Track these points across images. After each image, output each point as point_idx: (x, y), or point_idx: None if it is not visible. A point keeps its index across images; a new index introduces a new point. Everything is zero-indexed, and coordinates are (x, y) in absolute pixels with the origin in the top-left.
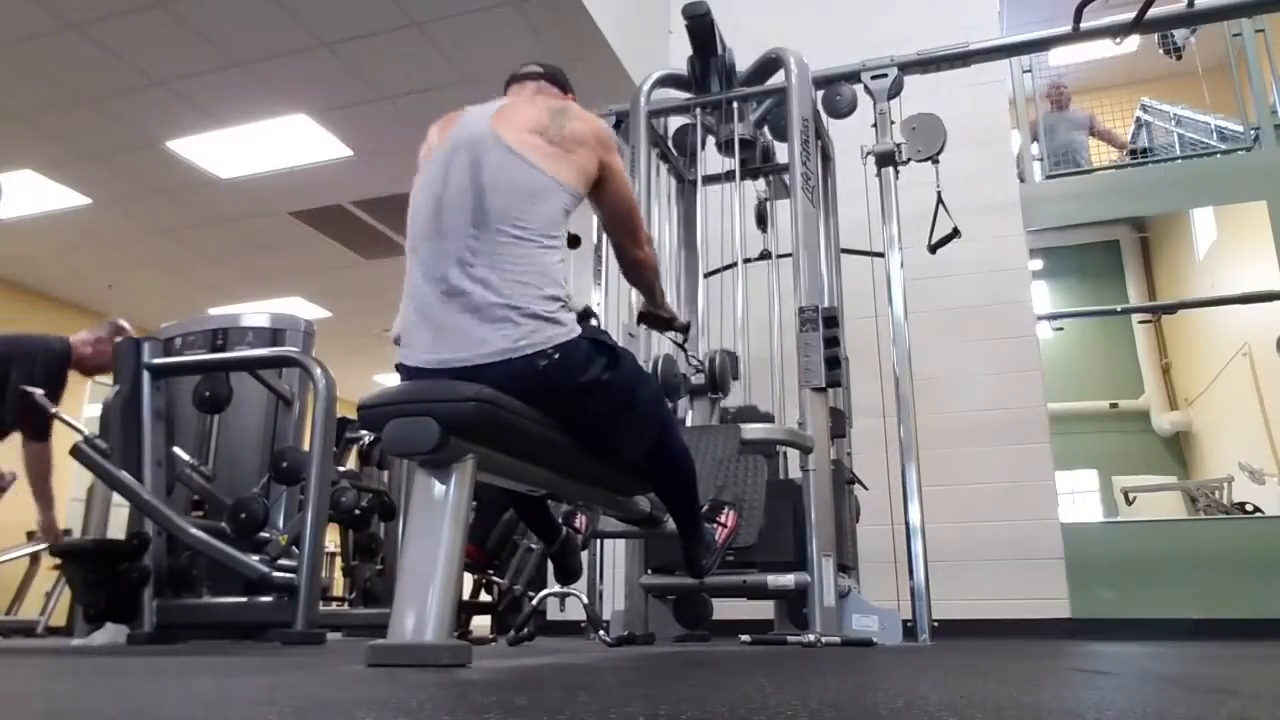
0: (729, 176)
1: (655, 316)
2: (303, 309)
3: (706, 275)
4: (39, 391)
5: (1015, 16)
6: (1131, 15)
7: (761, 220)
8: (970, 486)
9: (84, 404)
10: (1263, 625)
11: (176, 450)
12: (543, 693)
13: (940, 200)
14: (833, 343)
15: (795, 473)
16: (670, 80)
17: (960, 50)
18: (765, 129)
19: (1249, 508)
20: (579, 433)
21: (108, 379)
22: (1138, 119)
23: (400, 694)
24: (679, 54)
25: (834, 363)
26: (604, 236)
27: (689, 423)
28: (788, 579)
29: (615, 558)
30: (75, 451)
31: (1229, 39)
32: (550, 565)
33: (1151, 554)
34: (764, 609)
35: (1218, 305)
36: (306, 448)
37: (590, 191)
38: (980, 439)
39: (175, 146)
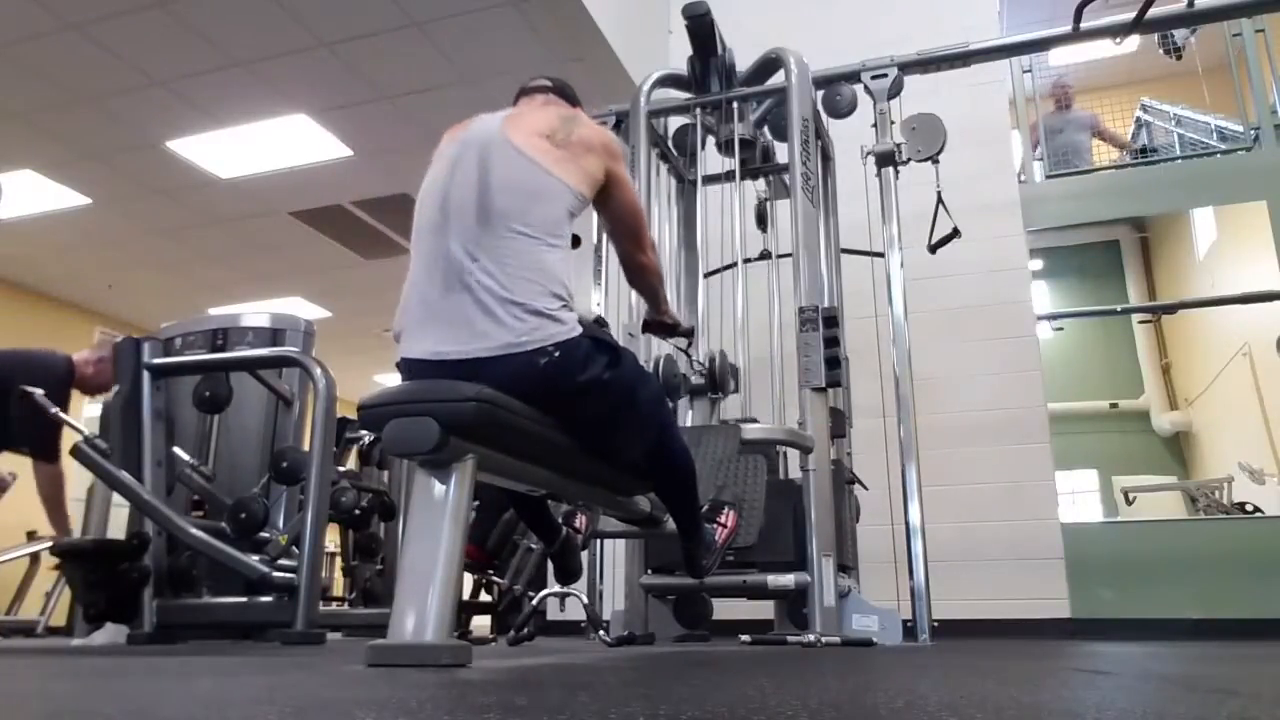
0: (729, 176)
1: (660, 324)
2: (303, 309)
3: (706, 275)
4: (39, 391)
5: (1015, 16)
6: (1131, 15)
7: (761, 220)
8: (970, 486)
9: (84, 404)
10: (1263, 625)
11: (176, 450)
12: (543, 693)
13: (940, 200)
14: (833, 343)
15: (795, 473)
16: (670, 80)
17: (960, 50)
18: (765, 129)
19: (1249, 508)
20: (579, 432)
21: None
22: (1138, 119)
23: (400, 694)
24: (679, 54)
25: (834, 363)
26: (604, 237)
27: (689, 423)
28: (788, 579)
29: (615, 558)
30: (75, 451)
31: (1229, 39)
32: (550, 565)
33: (1151, 554)
34: (764, 609)
35: (1218, 305)
36: (306, 448)
37: (597, 199)
38: (980, 439)
39: (175, 146)
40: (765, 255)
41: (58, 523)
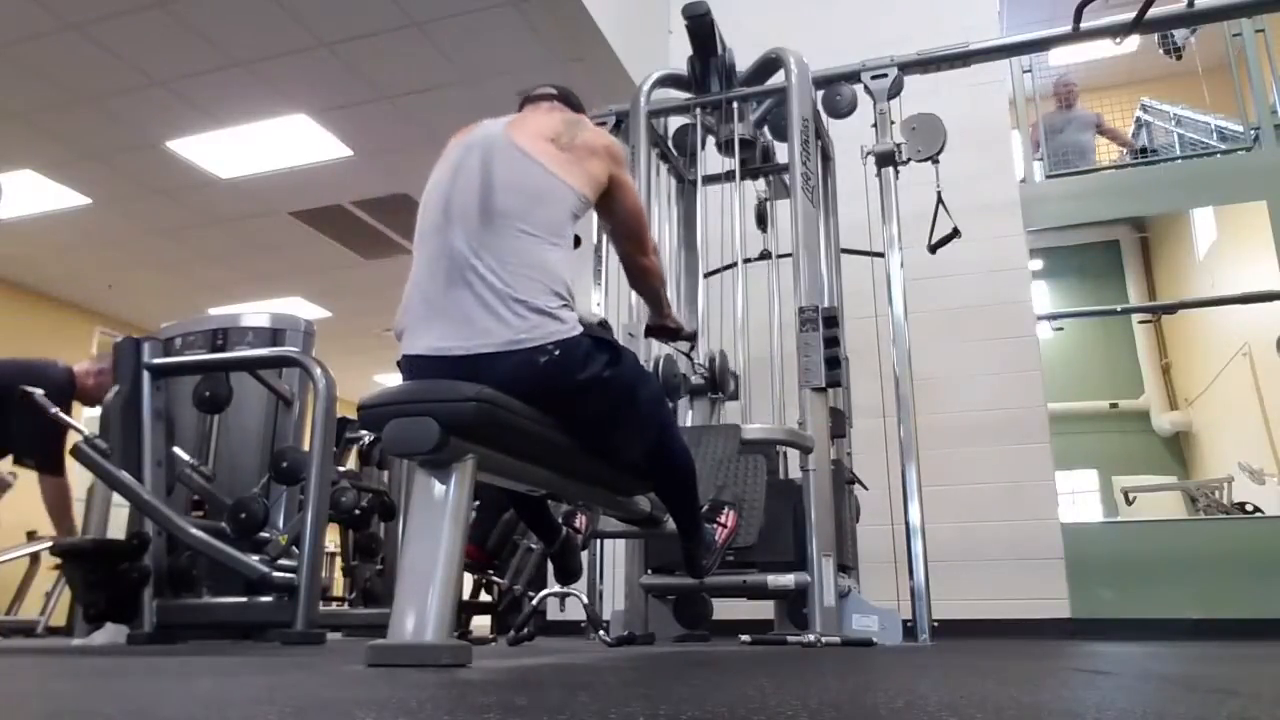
0: (729, 176)
1: (663, 328)
2: (303, 309)
3: (706, 275)
4: (39, 391)
5: (1015, 16)
6: (1131, 15)
7: (761, 220)
8: (970, 486)
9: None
10: (1263, 625)
11: (176, 450)
12: (543, 693)
13: (940, 200)
14: (833, 343)
15: (795, 473)
16: (670, 80)
17: (960, 50)
18: (765, 129)
19: (1249, 508)
20: (579, 431)
21: None
22: (1138, 119)
23: (400, 694)
24: (679, 54)
25: (834, 363)
26: (604, 238)
27: (689, 423)
28: (788, 579)
29: (615, 558)
30: (75, 451)
31: (1229, 39)
32: (550, 565)
33: (1151, 554)
34: (764, 609)
35: (1218, 305)
36: (306, 448)
37: (600, 203)
38: (980, 439)
39: (175, 146)
40: (765, 255)
41: (66, 534)
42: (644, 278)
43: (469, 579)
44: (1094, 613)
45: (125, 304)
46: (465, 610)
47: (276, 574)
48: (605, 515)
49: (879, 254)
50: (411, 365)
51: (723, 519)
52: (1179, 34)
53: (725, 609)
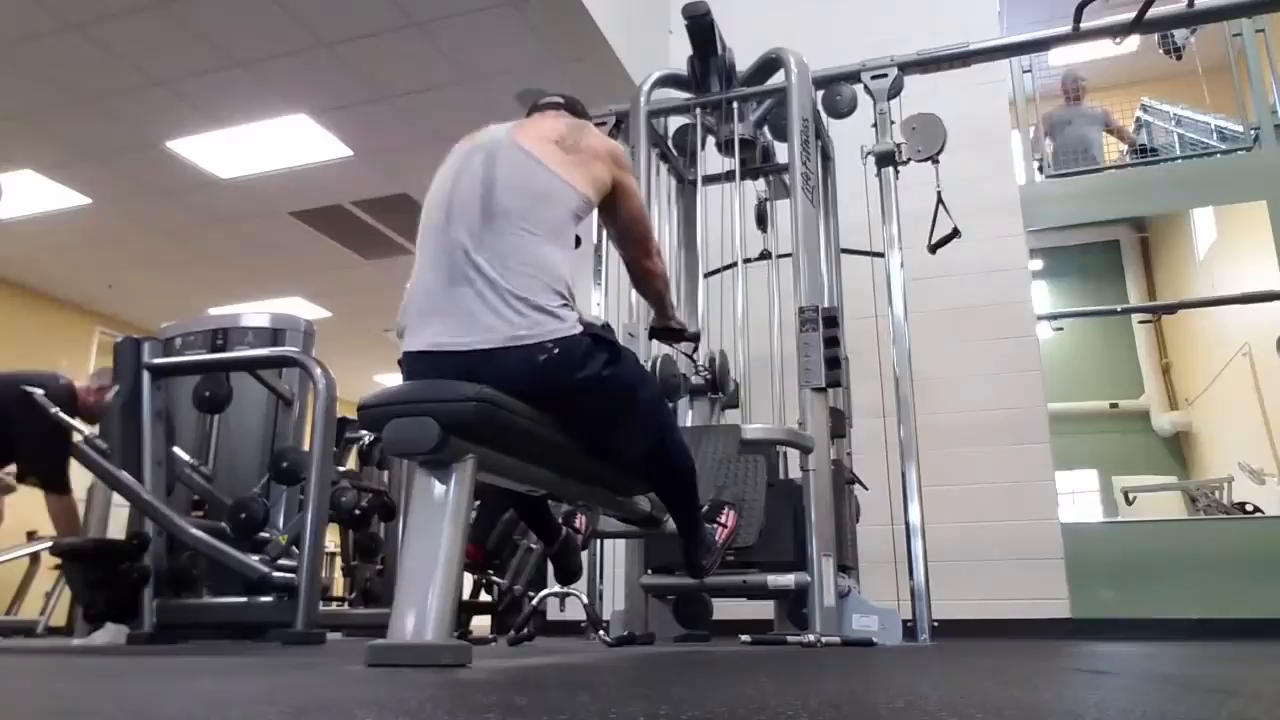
0: (729, 176)
1: (667, 329)
2: (303, 309)
3: (706, 275)
4: (39, 391)
5: (1015, 16)
6: (1131, 15)
7: (761, 220)
8: (970, 486)
9: None
10: (1263, 625)
11: (176, 450)
12: (543, 693)
13: (940, 200)
14: (833, 343)
15: (795, 473)
16: (670, 80)
17: (960, 50)
18: (765, 129)
19: (1249, 508)
20: (579, 431)
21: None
22: (1138, 119)
23: (400, 694)
24: (679, 54)
25: (834, 363)
26: (604, 237)
27: (689, 423)
28: (788, 579)
29: (615, 558)
30: (75, 451)
31: (1229, 39)
32: (550, 565)
33: (1151, 554)
34: (764, 609)
35: (1218, 305)
36: (306, 448)
37: (605, 208)
38: (980, 439)
39: (175, 146)
40: (765, 255)
41: None
42: (648, 280)
43: (469, 579)
44: (1094, 613)
45: (125, 304)
46: (465, 610)
47: (276, 574)
48: (605, 515)
49: (879, 254)
50: (412, 361)
51: (723, 519)
52: (1179, 34)
53: (725, 609)
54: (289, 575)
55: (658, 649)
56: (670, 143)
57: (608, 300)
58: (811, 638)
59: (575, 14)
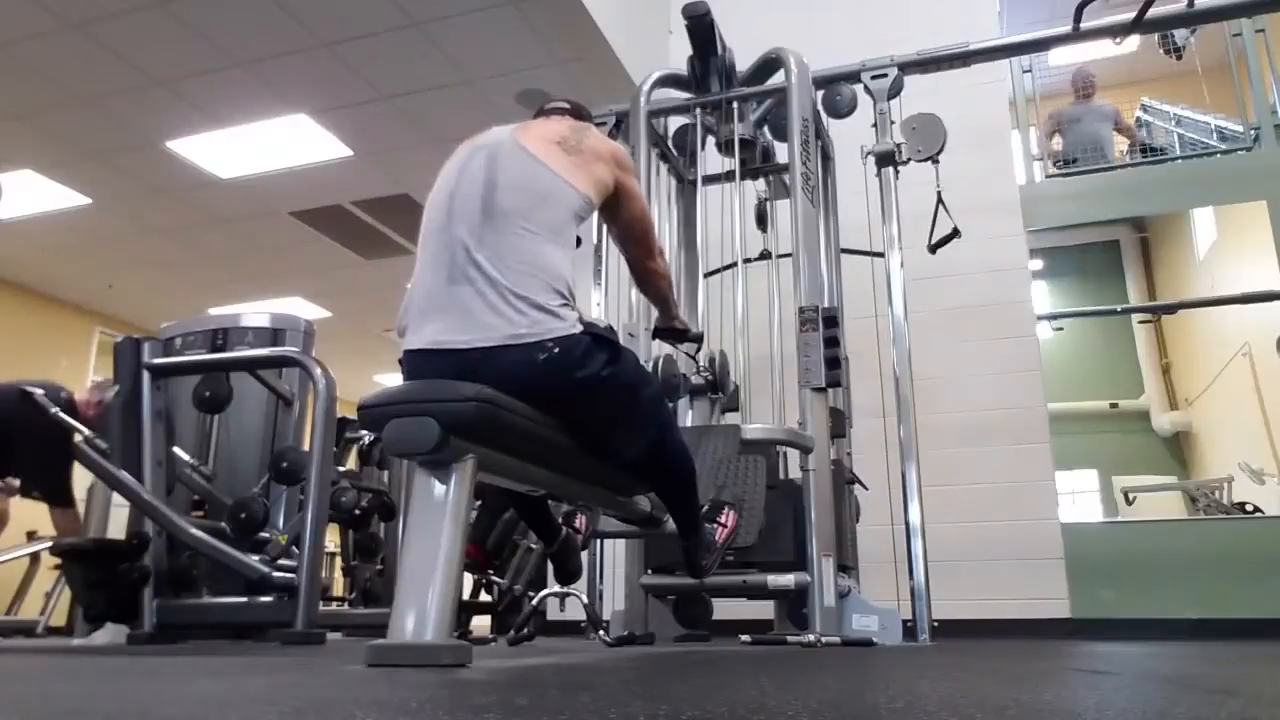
0: (729, 176)
1: (670, 329)
2: (303, 309)
3: (706, 275)
4: (39, 391)
5: (1015, 16)
6: (1131, 15)
7: (761, 220)
8: (970, 486)
9: None
10: (1263, 625)
11: (176, 450)
12: (543, 693)
13: (940, 200)
14: (833, 343)
15: (795, 473)
16: (670, 80)
17: (960, 50)
18: (765, 129)
19: (1249, 508)
20: (579, 431)
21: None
22: (1138, 119)
23: (400, 694)
24: (679, 54)
25: (834, 363)
26: (604, 237)
27: (689, 423)
28: (788, 579)
29: (615, 558)
30: (75, 452)
31: (1229, 39)
32: (550, 565)
33: (1151, 554)
34: (764, 609)
35: (1218, 305)
36: (306, 448)
37: (608, 210)
38: (980, 439)
39: (175, 146)
40: (765, 255)
41: None
42: (651, 281)
43: (469, 579)
44: (1094, 613)
45: (125, 304)
46: (465, 610)
47: (276, 574)
48: (605, 515)
49: (879, 254)
50: (412, 360)
51: (723, 519)
52: (1179, 34)
53: (725, 609)
54: (289, 575)
55: (658, 649)
56: (670, 143)
57: (608, 300)
58: (811, 638)
59: (575, 14)
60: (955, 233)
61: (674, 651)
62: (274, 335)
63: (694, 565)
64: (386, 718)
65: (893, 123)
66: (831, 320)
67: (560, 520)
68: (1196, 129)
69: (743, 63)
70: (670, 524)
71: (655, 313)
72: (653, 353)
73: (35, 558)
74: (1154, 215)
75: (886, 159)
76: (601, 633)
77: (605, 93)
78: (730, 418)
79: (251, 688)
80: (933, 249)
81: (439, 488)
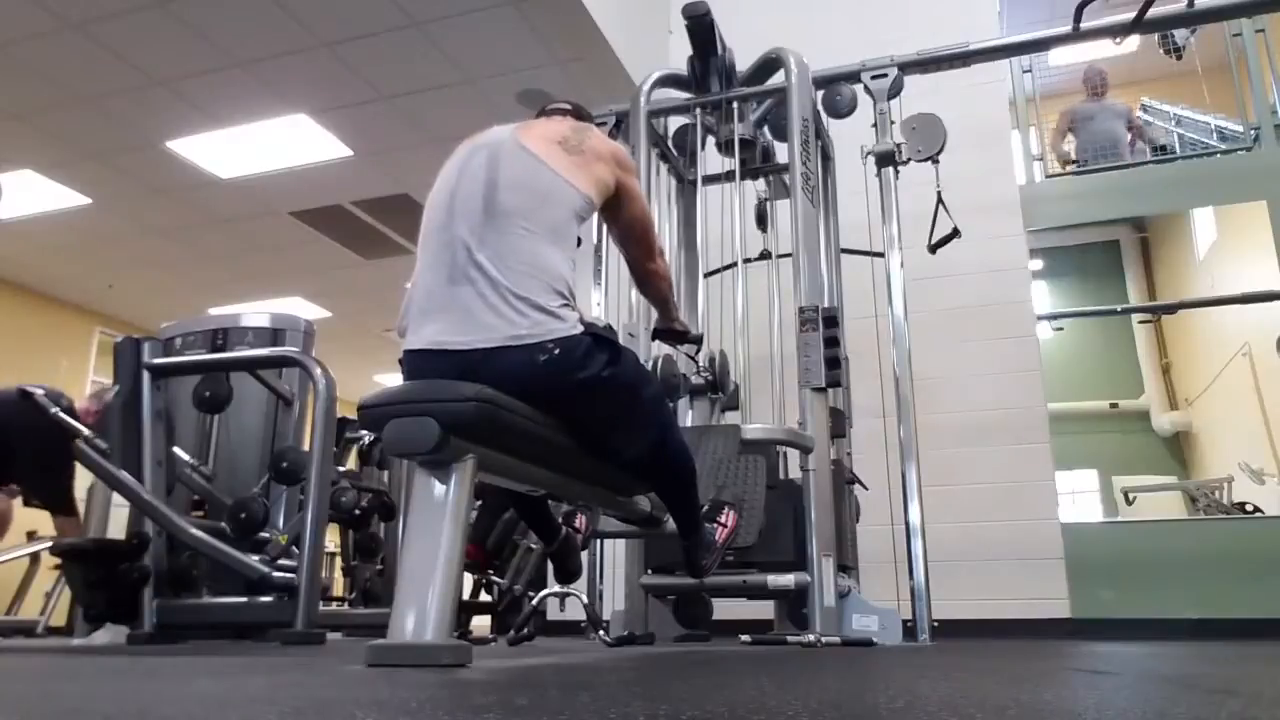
0: (729, 176)
1: (670, 330)
2: (303, 309)
3: (706, 275)
4: (39, 390)
5: (1015, 16)
6: (1131, 15)
7: (761, 220)
8: (970, 486)
9: None
10: (1263, 625)
11: (176, 450)
12: (543, 693)
13: (940, 200)
14: (833, 343)
15: (795, 473)
16: (670, 80)
17: (960, 50)
18: (765, 129)
19: (1249, 508)
20: (579, 431)
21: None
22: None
23: (400, 694)
24: (679, 54)
25: (834, 363)
26: (604, 237)
27: (689, 423)
28: (788, 579)
29: (615, 558)
30: (75, 452)
31: (1229, 39)
32: (550, 565)
33: (1151, 554)
34: (764, 609)
35: (1218, 305)
36: (306, 448)
37: (608, 210)
38: (980, 439)
39: (175, 146)
40: (765, 255)
41: None
42: (651, 281)
43: (469, 579)
44: (1094, 613)
45: (125, 304)
46: (465, 610)
47: (276, 574)
48: (605, 515)
49: (879, 254)
50: (412, 360)
51: (723, 519)
52: (1179, 34)
53: (725, 609)
54: (289, 575)
55: (658, 649)
56: (670, 143)
57: (608, 300)
58: (811, 638)
59: (575, 14)
60: (955, 233)
61: (674, 651)
62: (274, 335)
63: (694, 565)
64: (386, 718)
65: (893, 123)
66: (831, 320)
67: (560, 520)
68: (1196, 129)
69: (743, 63)
70: (670, 524)
71: (655, 313)
72: (653, 353)
73: (35, 558)
74: (1154, 215)
75: (886, 159)
76: (601, 633)
77: (605, 93)
78: (730, 417)
79: (251, 688)
80: (933, 249)
81: (439, 488)
